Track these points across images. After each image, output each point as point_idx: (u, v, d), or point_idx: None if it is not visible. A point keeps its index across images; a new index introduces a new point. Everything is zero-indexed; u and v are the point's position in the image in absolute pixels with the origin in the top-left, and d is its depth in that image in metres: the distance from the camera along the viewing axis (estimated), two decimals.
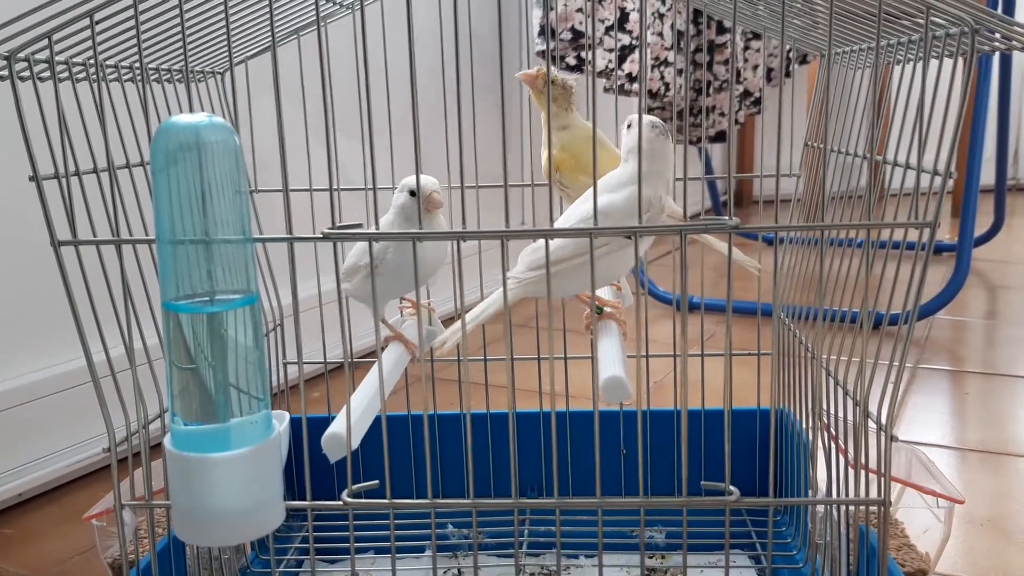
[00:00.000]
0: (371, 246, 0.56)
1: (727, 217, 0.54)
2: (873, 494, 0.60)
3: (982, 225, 2.20)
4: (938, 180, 0.54)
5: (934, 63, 0.56)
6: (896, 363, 0.56)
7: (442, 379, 1.23)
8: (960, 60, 0.55)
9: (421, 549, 0.84)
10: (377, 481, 0.59)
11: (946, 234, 2.41)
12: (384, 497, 0.60)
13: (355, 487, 0.59)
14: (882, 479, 0.58)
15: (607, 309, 0.73)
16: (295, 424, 0.82)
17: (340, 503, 0.59)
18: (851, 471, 0.61)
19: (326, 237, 0.55)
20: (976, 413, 1.24)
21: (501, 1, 0.57)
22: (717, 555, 0.81)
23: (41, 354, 1.05)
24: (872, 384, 0.59)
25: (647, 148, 0.62)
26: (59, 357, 1.07)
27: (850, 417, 0.62)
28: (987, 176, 2.12)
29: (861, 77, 0.72)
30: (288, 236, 0.57)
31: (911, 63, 0.61)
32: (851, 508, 0.62)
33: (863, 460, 0.60)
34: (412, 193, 0.69)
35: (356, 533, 0.66)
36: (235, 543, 0.72)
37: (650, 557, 0.83)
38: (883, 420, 0.58)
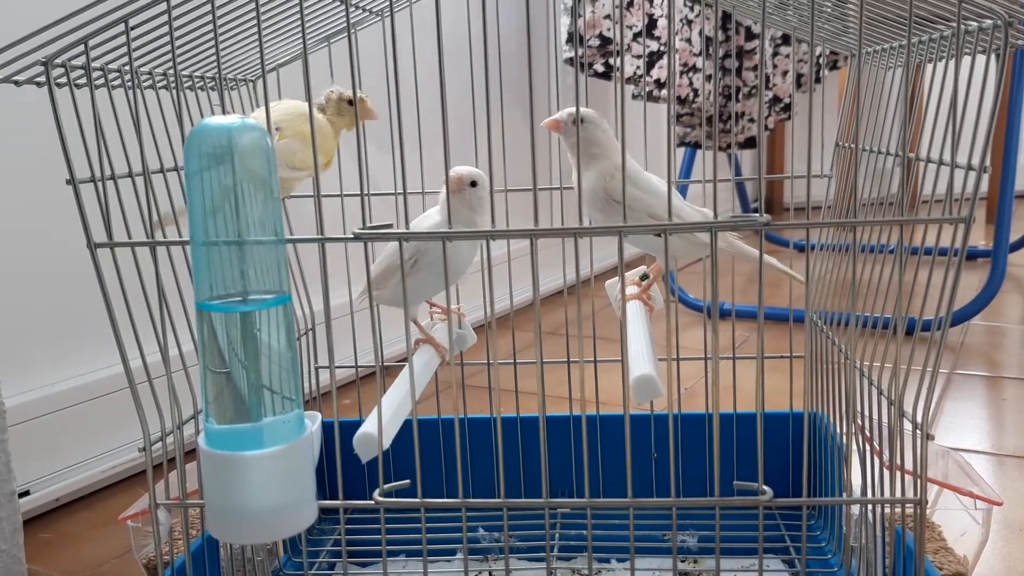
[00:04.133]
0: (401, 246, 0.57)
1: (757, 215, 0.54)
2: (909, 495, 0.59)
3: (1017, 230, 2.17)
4: (971, 177, 0.54)
5: (967, 59, 0.56)
6: (931, 361, 0.55)
7: (472, 385, 1.23)
8: (993, 55, 0.54)
9: (452, 552, 0.84)
10: (408, 480, 0.59)
11: (981, 240, 2.38)
12: (415, 497, 0.60)
13: (386, 487, 0.59)
14: (918, 479, 0.58)
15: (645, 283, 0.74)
16: (327, 428, 0.82)
17: (372, 502, 0.59)
18: (886, 473, 0.60)
19: (357, 237, 0.55)
20: (1013, 419, 1.22)
21: (529, 8, 0.58)
22: (750, 559, 0.81)
23: (76, 361, 1.07)
24: (907, 385, 0.59)
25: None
26: (94, 364, 1.08)
27: (885, 418, 0.61)
28: (1022, 182, 2.09)
29: (893, 76, 0.72)
30: (320, 237, 0.57)
31: (943, 60, 0.60)
32: (886, 509, 0.61)
33: (898, 460, 0.59)
34: (473, 184, 0.71)
35: (388, 536, 0.66)
36: (268, 541, 0.73)
37: (682, 561, 0.83)
38: (919, 419, 0.57)
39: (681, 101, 1.79)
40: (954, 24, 0.56)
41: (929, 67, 0.63)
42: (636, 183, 0.73)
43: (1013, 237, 2.02)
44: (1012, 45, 0.52)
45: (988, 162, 0.53)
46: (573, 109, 0.73)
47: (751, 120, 1.86)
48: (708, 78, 1.67)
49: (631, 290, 0.79)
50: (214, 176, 0.49)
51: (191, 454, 0.60)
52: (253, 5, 0.56)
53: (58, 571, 0.90)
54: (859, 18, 0.55)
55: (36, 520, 1.01)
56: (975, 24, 0.54)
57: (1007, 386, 1.35)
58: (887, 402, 0.60)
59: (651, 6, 1.72)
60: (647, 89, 1.73)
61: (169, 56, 0.58)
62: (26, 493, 0.99)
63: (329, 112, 0.76)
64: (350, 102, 0.76)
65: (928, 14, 0.58)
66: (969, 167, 0.53)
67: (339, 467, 0.60)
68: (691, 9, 1.74)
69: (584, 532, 0.83)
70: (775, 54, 1.90)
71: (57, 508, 1.04)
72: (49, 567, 0.91)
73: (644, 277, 0.77)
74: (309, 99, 0.57)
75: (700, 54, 1.74)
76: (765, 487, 0.57)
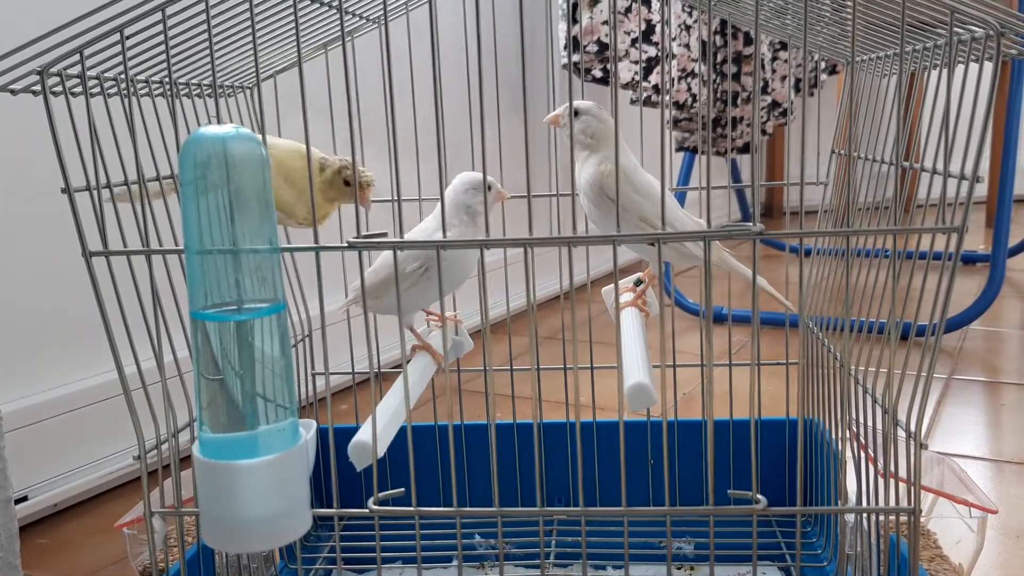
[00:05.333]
0: (395, 255, 0.57)
1: (751, 223, 0.54)
2: (904, 503, 0.59)
3: (1016, 235, 2.17)
4: (964, 186, 0.54)
5: (961, 67, 0.56)
6: (924, 371, 0.56)
7: (468, 391, 1.23)
8: (987, 64, 0.54)
9: (448, 559, 0.84)
10: (403, 489, 0.59)
11: (980, 244, 2.38)
12: (410, 505, 0.60)
13: (381, 495, 0.59)
14: (912, 488, 0.58)
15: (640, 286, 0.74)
16: (323, 435, 0.82)
17: (366, 510, 0.59)
18: (881, 480, 0.60)
19: (351, 246, 0.56)
20: (1012, 424, 1.22)
21: (524, 14, 0.58)
22: (747, 566, 0.81)
23: (73, 367, 1.07)
24: (901, 393, 0.59)
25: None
26: (91, 370, 1.08)
27: (879, 426, 0.61)
28: (1021, 186, 2.09)
29: (888, 83, 0.72)
30: (315, 246, 0.57)
31: (937, 68, 0.60)
32: (881, 517, 0.61)
33: (892, 469, 0.59)
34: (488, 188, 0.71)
35: (384, 543, 0.66)
36: (262, 549, 0.73)
37: (678, 568, 0.83)
38: (912, 428, 0.57)
39: (679, 106, 1.79)
40: (948, 33, 0.56)
41: (924, 75, 0.63)
42: (633, 184, 0.72)
43: (1012, 242, 2.02)
44: (1005, 55, 0.52)
45: (984, 170, 0.53)
46: (576, 104, 0.74)
47: (749, 125, 1.86)
48: (706, 83, 1.67)
49: (626, 297, 0.79)
50: (208, 185, 0.50)
51: (187, 460, 0.60)
52: (248, 13, 0.56)
53: None
54: (852, 27, 0.55)
55: (33, 526, 1.01)
56: (968, 34, 0.54)
57: (1006, 391, 1.35)
58: (881, 410, 0.61)
59: (649, 12, 1.72)
60: (645, 95, 1.73)
61: (164, 64, 0.59)
62: (23, 499, 0.99)
63: (323, 176, 0.74)
64: (347, 182, 0.74)
65: (919, 23, 0.58)
66: (962, 176, 0.53)
67: (334, 475, 0.60)
68: (689, 15, 1.74)
69: (581, 539, 0.83)
70: (774, 59, 1.90)
71: (54, 514, 1.04)
72: (46, 573, 0.91)
73: (639, 283, 0.77)
74: (304, 108, 0.57)
75: (698, 59, 1.74)
76: (759, 496, 0.57)
